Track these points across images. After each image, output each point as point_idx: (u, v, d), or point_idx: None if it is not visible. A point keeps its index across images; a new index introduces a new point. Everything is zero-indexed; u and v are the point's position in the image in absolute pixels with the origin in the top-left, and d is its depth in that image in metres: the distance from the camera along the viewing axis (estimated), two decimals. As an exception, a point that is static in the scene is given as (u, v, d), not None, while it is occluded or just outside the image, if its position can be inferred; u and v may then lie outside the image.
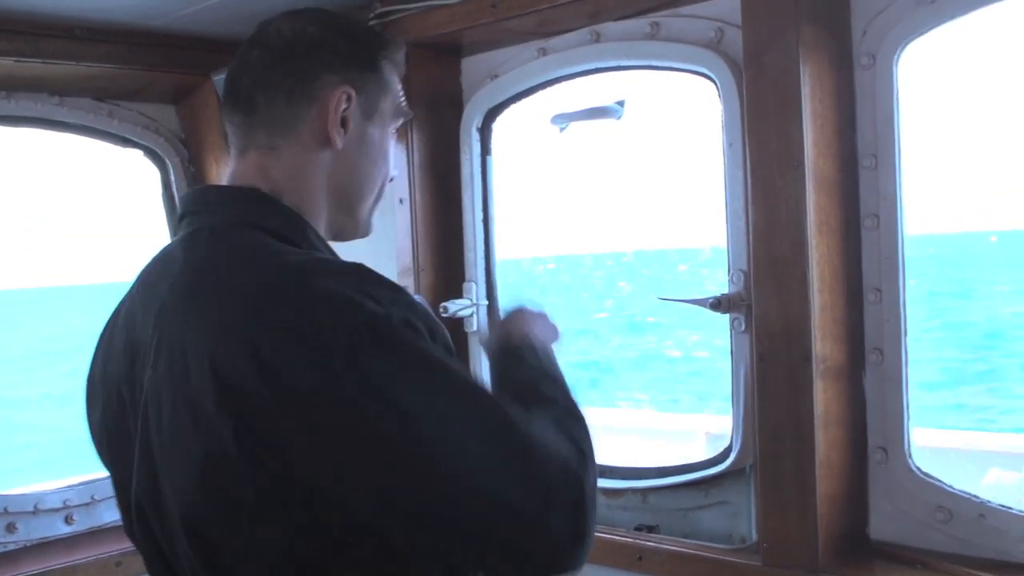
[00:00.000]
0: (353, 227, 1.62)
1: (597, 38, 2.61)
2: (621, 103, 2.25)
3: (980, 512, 2.15)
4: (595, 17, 2.57)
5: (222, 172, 3.26)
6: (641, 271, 46.47)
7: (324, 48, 1.53)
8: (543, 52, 2.73)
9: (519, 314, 1.70)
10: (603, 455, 1.52)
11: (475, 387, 1.32)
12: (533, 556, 1.27)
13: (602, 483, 2.64)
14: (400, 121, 1.65)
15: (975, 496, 2.17)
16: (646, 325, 33.52)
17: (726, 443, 2.53)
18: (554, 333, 1.73)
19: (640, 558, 2.49)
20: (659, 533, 2.59)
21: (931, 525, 2.21)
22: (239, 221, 1.47)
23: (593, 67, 2.66)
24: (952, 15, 2.10)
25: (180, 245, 1.49)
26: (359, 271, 1.35)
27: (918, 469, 2.22)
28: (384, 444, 1.23)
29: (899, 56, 2.17)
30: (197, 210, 1.52)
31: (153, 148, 3.29)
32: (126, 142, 3.26)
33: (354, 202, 1.61)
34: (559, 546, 1.26)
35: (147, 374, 1.39)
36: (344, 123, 1.53)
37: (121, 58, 2.96)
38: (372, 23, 2.82)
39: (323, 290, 1.29)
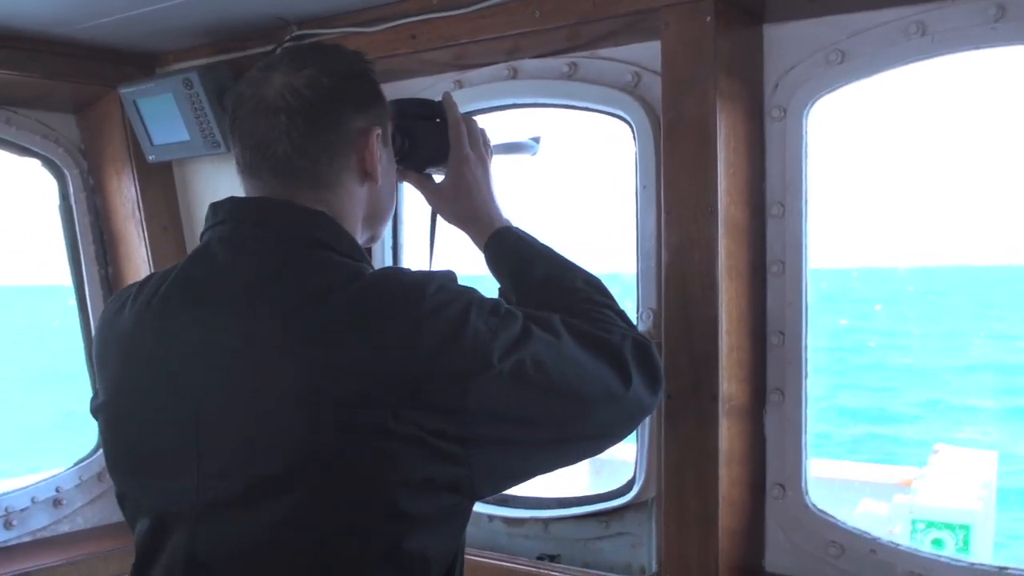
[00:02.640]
0: (370, 240, 1.79)
1: (514, 74, 2.65)
2: (537, 139, 2.28)
3: (871, 548, 2.25)
4: (513, 54, 2.61)
5: (123, 184, 3.22)
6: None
7: (345, 96, 1.64)
8: (459, 84, 2.76)
9: (463, 165, 1.97)
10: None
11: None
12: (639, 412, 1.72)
13: (504, 512, 2.70)
14: None
15: (866, 532, 2.27)
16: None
17: (612, 470, 2.59)
18: (486, 140, 2.05)
19: (542, 587, 2.53)
20: (560, 563, 2.63)
21: (824, 559, 2.30)
22: (313, 240, 1.58)
23: (510, 103, 2.70)
24: (859, 75, 2.21)
25: (250, 253, 1.56)
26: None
27: (813, 505, 2.32)
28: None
29: (809, 110, 2.27)
30: (255, 221, 1.60)
31: (51, 158, 3.23)
32: (23, 151, 3.19)
33: (381, 221, 1.79)
34: (647, 401, 1.69)
35: (224, 378, 1.48)
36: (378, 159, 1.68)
37: (21, 64, 2.89)
38: (287, 45, 2.81)
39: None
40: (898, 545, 2.25)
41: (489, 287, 1.80)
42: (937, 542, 6.17)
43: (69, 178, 3.26)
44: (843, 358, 33.62)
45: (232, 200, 1.64)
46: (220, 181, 3.23)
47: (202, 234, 1.65)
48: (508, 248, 1.95)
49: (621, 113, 2.48)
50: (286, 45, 2.81)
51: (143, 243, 3.24)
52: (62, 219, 3.28)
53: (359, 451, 1.42)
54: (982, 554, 6.30)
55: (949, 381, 30.58)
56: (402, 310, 1.46)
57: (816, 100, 2.26)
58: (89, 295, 3.30)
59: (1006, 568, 2.13)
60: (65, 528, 3.17)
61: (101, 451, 3.18)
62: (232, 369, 1.48)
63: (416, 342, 1.44)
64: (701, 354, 2.21)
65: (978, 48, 2.10)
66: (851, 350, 35.57)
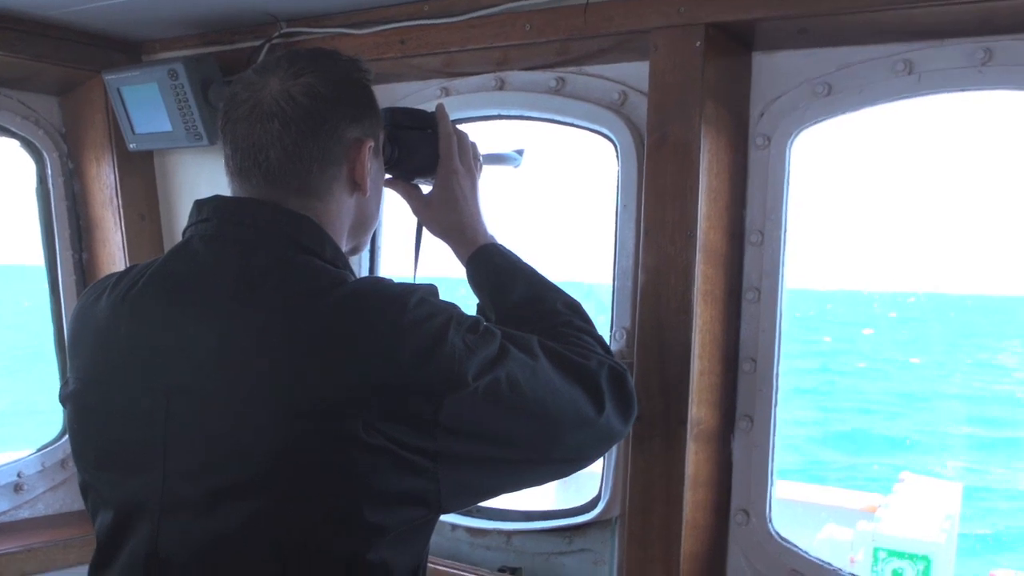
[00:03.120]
0: (353, 251, 1.79)
1: (502, 85, 2.65)
2: (520, 152, 2.29)
3: (831, 578, 2.27)
4: (502, 64, 2.61)
5: (102, 170, 3.20)
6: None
7: (341, 105, 1.64)
8: (446, 92, 2.75)
9: (450, 179, 1.99)
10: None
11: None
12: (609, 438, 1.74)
13: (467, 522, 2.70)
14: None
15: (828, 564, 2.28)
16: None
17: (578, 486, 2.60)
18: (476, 153, 2.07)
19: (501, 599, 2.53)
20: (521, 576, 2.63)
21: (784, 587, 2.32)
22: (298, 245, 1.59)
23: (495, 113, 2.70)
24: (845, 109, 2.22)
25: (233, 253, 1.56)
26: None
27: (777, 533, 2.33)
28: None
29: (793, 141, 2.28)
30: (240, 221, 1.59)
31: (31, 140, 3.20)
32: (3, 131, 3.16)
33: (365, 231, 1.80)
34: (617, 428, 1.73)
35: (202, 375, 1.48)
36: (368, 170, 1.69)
37: (7, 45, 2.86)
38: (275, 41, 2.80)
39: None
40: (857, 577, 2.26)
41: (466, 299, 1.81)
42: (897, 572, 6.21)
43: (48, 161, 3.23)
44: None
45: (217, 199, 1.64)
46: (200, 173, 3.21)
47: (185, 230, 1.65)
48: (491, 265, 1.96)
49: (606, 131, 2.48)
50: (275, 42, 2.80)
51: (119, 230, 3.22)
52: (38, 202, 3.25)
53: (328, 459, 1.42)
54: (942, 585, 6.34)
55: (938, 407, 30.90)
56: (382, 320, 1.46)
57: (801, 131, 2.27)
58: (62, 279, 3.27)
59: (962, 606, 2.15)
60: (25, 514, 3.14)
61: (66, 438, 3.17)
62: (205, 368, 1.48)
63: (393, 354, 1.44)
64: (672, 377, 2.22)
65: (964, 90, 2.12)
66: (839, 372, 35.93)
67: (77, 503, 3.20)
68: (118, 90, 3.00)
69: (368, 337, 1.45)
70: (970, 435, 27.53)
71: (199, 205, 1.64)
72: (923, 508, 7.09)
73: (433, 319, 1.49)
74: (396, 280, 1.59)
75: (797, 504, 6.93)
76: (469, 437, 1.50)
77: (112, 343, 1.57)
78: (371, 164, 1.70)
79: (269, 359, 1.45)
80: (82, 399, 1.62)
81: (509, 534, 2.67)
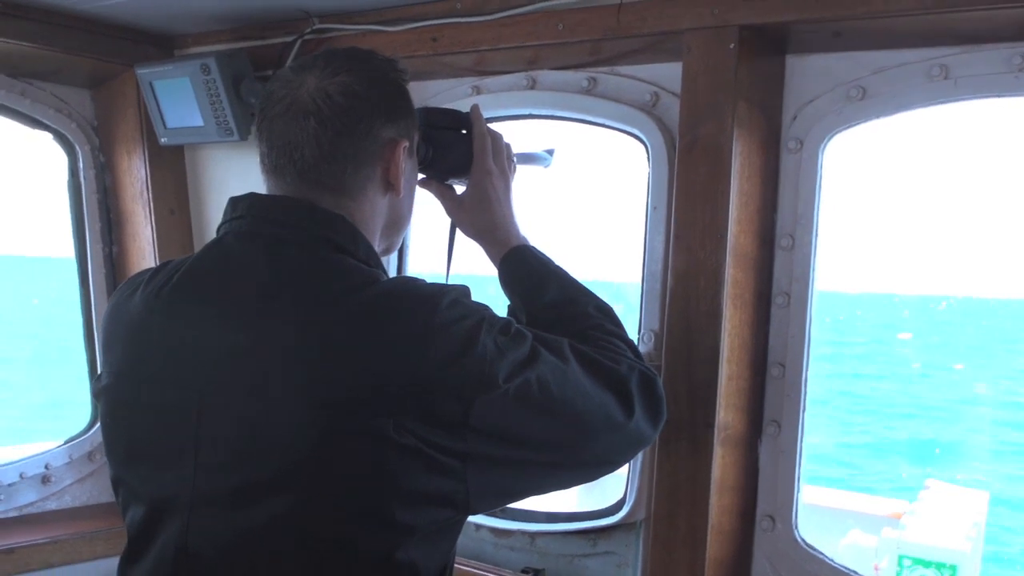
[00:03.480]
0: (386, 251, 1.80)
1: (533, 84, 2.64)
2: (551, 152, 2.28)
3: (855, 586, 2.25)
4: (533, 64, 2.61)
5: (133, 164, 3.21)
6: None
7: (377, 106, 1.64)
8: (477, 90, 2.75)
9: (484, 181, 1.99)
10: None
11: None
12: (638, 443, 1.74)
13: (492, 522, 2.69)
14: None
15: (853, 572, 2.26)
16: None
17: (601, 489, 2.59)
18: (510, 154, 2.07)
19: (524, 600, 2.53)
20: (545, 577, 2.63)
21: (809, 594, 2.30)
22: (331, 244, 1.59)
23: (526, 112, 2.69)
24: (879, 114, 2.20)
25: (267, 251, 1.57)
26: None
27: (802, 540, 2.31)
28: None
29: (826, 145, 2.25)
30: (274, 219, 1.60)
31: (64, 132, 3.22)
32: (36, 123, 3.17)
33: (398, 232, 1.81)
34: (647, 433, 1.72)
35: (234, 374, 1.48)
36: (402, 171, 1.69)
37: (40, 37, 2.87)
38: (307, 37, 2.81)
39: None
40: (883, 586, 2.24)
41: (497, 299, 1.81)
42: (922, 581, 6.16)
43: (80, 154, 3.24)
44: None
45: (252, 196, 1.64)
46: (231, 169, 3.22)
47: (219, 227, 1.66)
48: (523, 266, 1.95)
49: (637, 132, 2.47)
50: (307, 38, 2.81)
51: (149, 224, 3.24)
52: (70, 195, 3.27)
53: (358, 458, 1.42)
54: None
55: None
56: (414, 320, 1.47)
57: (834, 135, 2.25)
58: (92, 273, 3.29)
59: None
60: (52, 506, 3.16)
61: (94, 430, 3.20)
62: (238, 365, 1.48)
63: (425, 354, 1.44)
64: (700, 381, 2.21)
65: (1001, 96, 2.10)
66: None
67: (104, 495, 3.22)
68: (150, 84, 3.01)
69: (400, 337, 1.45)
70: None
71: (234, 202, 1.65)
72: (949, 516, 7.03)
73: (465, 320, 1.49)
74: (428, 280, 1.58)
75: (822, 509, 6.89)
76: (498, 439, 1.50)
77: (145, 339, 1.59)
78: (405, 164, 1.71)
79: (301, 357, 1.45)
80: (115, 394, 1.63)
81: (533, 535, 2.67)
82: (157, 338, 1.57)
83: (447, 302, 1.50)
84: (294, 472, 1.44)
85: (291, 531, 1.45)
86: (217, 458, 1.48)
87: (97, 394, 1.68)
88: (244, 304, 1.52)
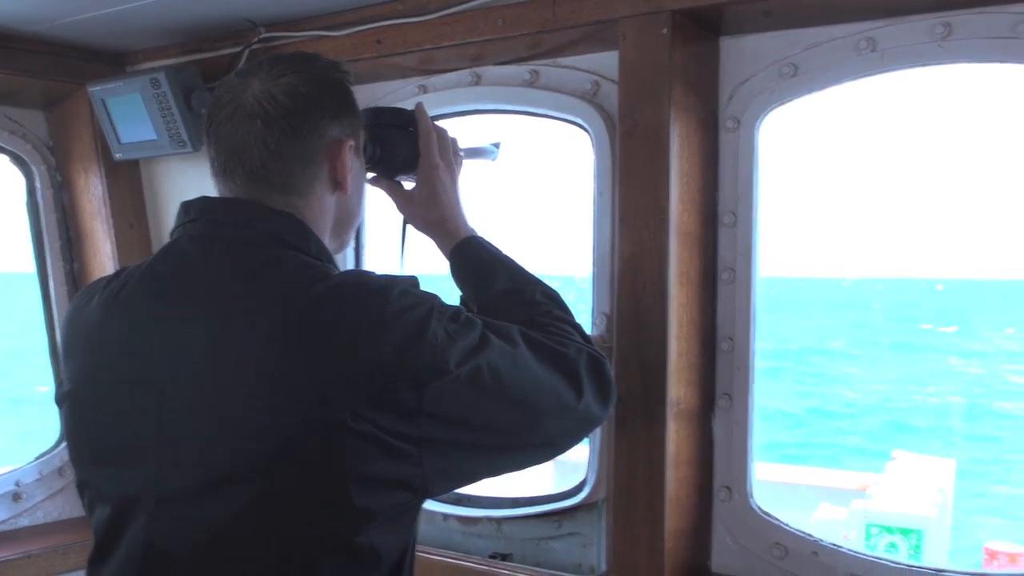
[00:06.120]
0: (338, 248, 1.82)
1: (477, 80, 2.69)
2: (497, 145, 2.32)
3: (813, 550, 2.30)
4: (477, 60, 2.65)
5: (90, 181, 3.24)
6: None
7: (321, 105, 1.69)
8: (423, 89, 2.80)
9: (432, 174, 2.03)
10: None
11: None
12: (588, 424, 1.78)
13: (458, 511, 2.74)
14: None
15: (809, 535, 2.32)
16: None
17: (576, 472, 2.64)
18: (456, 149, 2.12)
19: (494, 585, 2.57)
20: (512, 561, 2.67)
21: (768, 560, 2.35)
22: (283, 242, 1.63)
23: (472, 108, 2.74)
24: (811, 89, 2.27)
25: (221, 250, 1.61)
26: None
27: (758, 508, 2.37)
28: None
29: (761, 122, 2.32)
30: (226, 220, 1.65)
31: (19, 154, 3.24)
32: (-9, 146, 3.20)
33: (348, 229, 1.83)
34: (597, 413, 1.76)
35: (191, 373, 1.52)
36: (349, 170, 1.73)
37: (-7, 61, 2.91)
38: (255, 47, 2.85)
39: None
40: (839, 547, 2.30)
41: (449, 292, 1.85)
42: (891, 546, 6.25)
43: (36, 174, 3.27)
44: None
45: (204, 199, 1.68)
46: (187, 180, 3.26)
47: (172, 231, 1.69)
48: (473, 257, 2.01)
49: (580, 121, 2.52)
50: (255, 47, 2.85)
51: (109, 240, 3.27)
52: (28, 214, 3.30)
53: (317, 447, 1.46)
54: (936, 559, 6.38)
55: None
56: (366, 312, 1.51)
57: (769, 112, 2.31)
58: (54, 289, 3.32)
59: (942, 571, 2.19)
60: (24, 522, 3.18)
61: (62, 446, 3.21)
62: (196, 362, 1.52)
63: (378, 343, 1.49)
64: (651, 359, 2.26)
65: (926, 64, 2.16)
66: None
67: (75, 510, 3.24)
68: (103, 101, 3.05)
69: (353, 328, 1.49)
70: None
71: (186, 206, 1.69)
72: (915, 484, 7.15)
73: (415, 309, 1.54)
74: (379, 273, 1.63)
75: (793, 486, 6.98)
76: (452, 423, 1.54)
77: (104, 342, 1.62)
78: (352, 163, 1.75)
79: (258, 353, 1.49)
80: (76, 398, 1.66)
81: (500, 521, 2.71)
82: (115, 341, 1.60)
83: (397, 292, 1.54)
84: (255, 465, 1.47)
85: (254, 522, 1.48)
86: (179, 454, 1.51)
87: (60, 400, 1.71)
88: (200, 303, 1.56)
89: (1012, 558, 6.56)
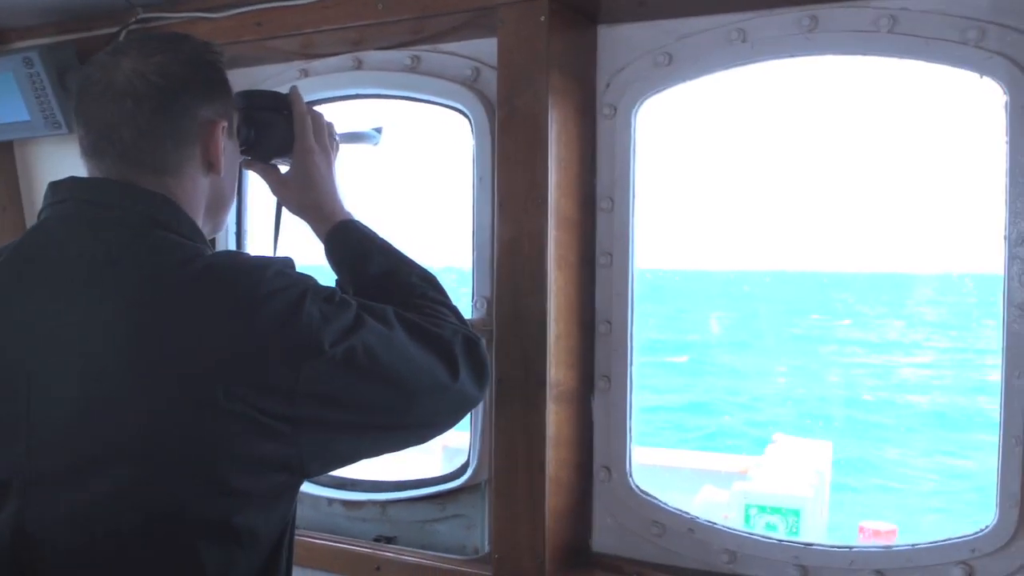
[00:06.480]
0: (212, 231, 1.81)
1: (359, 65, 2.69)
2: (379, 130, 2.32)
3: (689, 527, 2.37)
4: (358, 44, 2.65)
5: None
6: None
7: (194, 85, 1.67)
8: (304, 73, 2.78)
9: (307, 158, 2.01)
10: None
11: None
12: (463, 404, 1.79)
13: (343, 495, 2.74)
14: None
15: (685, 512, 2.39)
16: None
17: (462, 457, 2.67)
18: (332, 133, 2.10)
19: (378, 568, 2.58)
20: (397, 544, 2.69)
21: (647, 538, 2.41)
22: (154, 222, 1.60)
23: (353, 93, 2.74)
24: (685, 78, 2.33)
25: (91, 231, 1.57)
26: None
27: (637, 487, 2.43)
28: None
29: (638, 109, 2.37)
30: (96, 200, 1.61)
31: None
32: None
33: (222, 211, 1.81)
34: (472, 394, 1.78)
35: (61, 355, 1.49)
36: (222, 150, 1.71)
37: None
38: (132, 27, 2.80)
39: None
40: (714, 524, 2.37)
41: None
42: (770, 526, 6.46)
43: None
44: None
45: (72, 179, 1.65)
46: (63, 162, 3.18)
47: (40, 212, 1.66)
48: (348, 241, 2.00)
49: (460, 106, 2.54)
50: (132, 28, 2.80)
51: (-19, 224, 3.18)
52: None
53: (190, 427, 1.45)
54: (814, 537, 6.61)
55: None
56: (239, 292, 1.50)
57: (645, 99, 2.36)
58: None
59: (811, 544, 2.28)
60: None
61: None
62: (66, 343, 1.50)
63: (251, 323, 1.48)
64: (530, 341, 2.29)
65: (794, 56, 2.24)
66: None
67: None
68: (-28, 81, 2.96)
69: (226, 308, 1.49)
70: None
71: (54, 187, 1.66)
72: (793, 466, 7.39)
73: (289, 290, 1.54)
74: (254, 255, 1.63)
75: (677, 469, 7.15)
76: (327, 403, 1.55)
77: None
78: (225, 144, 1.73)
79: (129, 332, 1.47)
80: None
81: (384, 504, 2.72)
82: None
83: (271, 273, 1.54)
84: (127, 446, 1.46)
85: (128, 505, 1.47)
86: (49, 437, 1.49)
87: None
88: (70, 284, 1.53)
89: (878, 533, 6.82)
